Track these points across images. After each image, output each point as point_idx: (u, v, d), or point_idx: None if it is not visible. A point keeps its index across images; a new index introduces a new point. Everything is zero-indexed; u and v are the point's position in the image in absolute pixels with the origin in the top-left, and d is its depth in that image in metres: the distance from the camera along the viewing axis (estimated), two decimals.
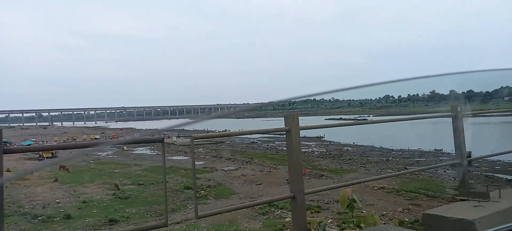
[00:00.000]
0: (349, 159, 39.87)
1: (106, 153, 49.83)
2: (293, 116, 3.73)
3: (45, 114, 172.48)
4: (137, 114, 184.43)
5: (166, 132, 55.30)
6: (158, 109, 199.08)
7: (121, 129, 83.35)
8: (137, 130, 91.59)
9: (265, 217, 18.76)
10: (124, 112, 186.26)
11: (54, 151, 40.96)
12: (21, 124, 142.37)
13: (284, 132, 3.80)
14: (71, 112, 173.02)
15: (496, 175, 27.40)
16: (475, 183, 25.26)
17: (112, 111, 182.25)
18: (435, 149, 41.14)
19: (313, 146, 51.66)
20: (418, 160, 37.87)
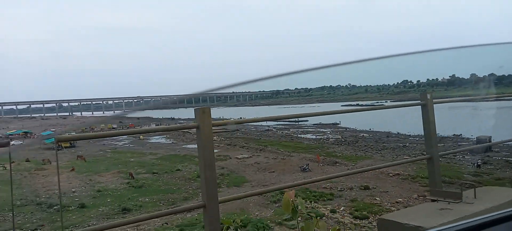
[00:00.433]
0: (365, 146, 39.23)
1: (122, 142, 50.51)
2: (204, 109, 3.06)
3: (65, 104, 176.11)
4: (154, 104, 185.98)
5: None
6: (174, 98, 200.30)
7: (138, 118, 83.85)
8: (154, 119, 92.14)
9: (276, 204, 18.60)
10: (141, 101, 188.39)
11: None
12: (42, 114, 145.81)
13: (195, 128, 3.11)
14: (90, 102, 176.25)
15: None
16: (494, 168, 24.59)
17: (130, 101, 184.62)
18: (454, 134, 40.05)
19: (328, 132, 51.13)
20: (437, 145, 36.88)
